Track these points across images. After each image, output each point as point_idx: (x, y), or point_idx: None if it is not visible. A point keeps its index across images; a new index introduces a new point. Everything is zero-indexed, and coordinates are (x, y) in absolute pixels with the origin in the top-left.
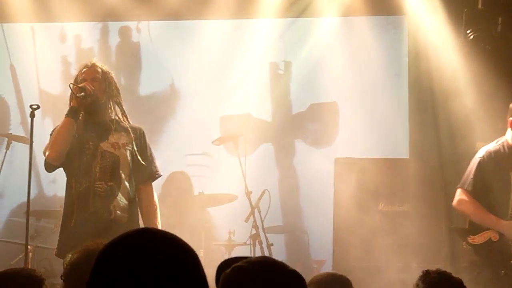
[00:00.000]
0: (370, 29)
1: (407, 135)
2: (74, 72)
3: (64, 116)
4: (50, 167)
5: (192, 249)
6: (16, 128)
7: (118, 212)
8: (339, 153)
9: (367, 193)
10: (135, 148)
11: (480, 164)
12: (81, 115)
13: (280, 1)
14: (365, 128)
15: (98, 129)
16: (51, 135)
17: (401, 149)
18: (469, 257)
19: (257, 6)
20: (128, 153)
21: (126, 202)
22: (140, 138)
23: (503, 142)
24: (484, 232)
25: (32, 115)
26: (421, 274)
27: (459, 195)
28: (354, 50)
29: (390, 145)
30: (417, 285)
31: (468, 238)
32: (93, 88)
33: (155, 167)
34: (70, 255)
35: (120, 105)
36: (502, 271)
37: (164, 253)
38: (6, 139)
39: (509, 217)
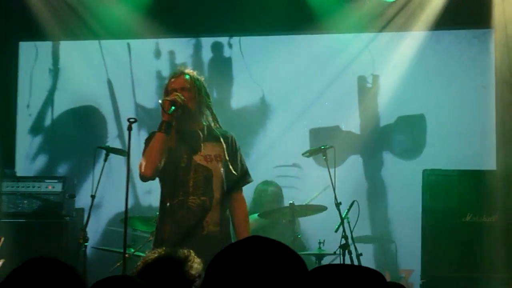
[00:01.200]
0: (455, 43)
1: (495, 146)
2: None
3: (157, 130)
4: (145, 179)
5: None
6: (113, 140)
7: (211, 227)
8: (426, 164)
9: (454, 204)
10: (227, 158)
11: None
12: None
13: (368, 15)
14: (452, 140)
15: (190, 139)
16: (145, 143)
17: (489, 161)
18: None
19: (346, 20)
20: (220, 165)
21: (218, 215)
22: (231, 146)
23: None
24: None
25: (129, 128)
26: None
27: None
28: (441, 62)
29: (478, 156)
30: None
31: None
32: (183, 98)
33: (246, 173)
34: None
35: (210, 109)
36: None
37: (278, 260)
38: (105, 151)
39: None
